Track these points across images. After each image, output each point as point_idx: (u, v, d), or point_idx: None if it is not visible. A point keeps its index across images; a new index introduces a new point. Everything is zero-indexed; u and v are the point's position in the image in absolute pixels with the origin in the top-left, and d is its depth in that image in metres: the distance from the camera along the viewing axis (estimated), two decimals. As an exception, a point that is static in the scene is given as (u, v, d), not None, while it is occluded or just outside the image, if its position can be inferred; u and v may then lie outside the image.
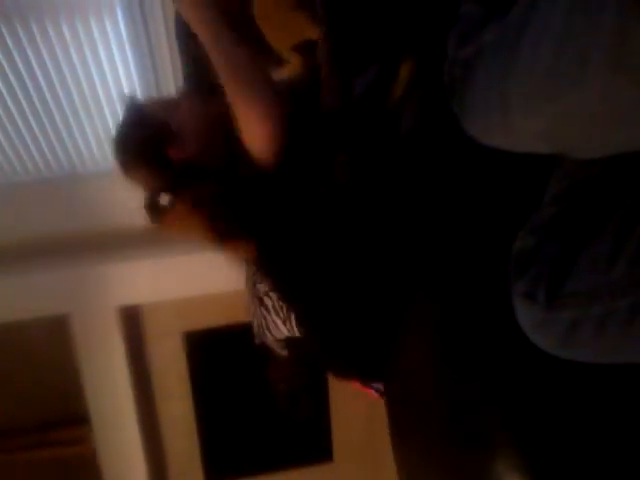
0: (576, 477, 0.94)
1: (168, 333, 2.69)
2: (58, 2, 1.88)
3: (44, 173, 2.30)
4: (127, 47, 2.02)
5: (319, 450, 3.03)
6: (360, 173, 1.20)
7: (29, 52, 1.96)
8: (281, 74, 1.38)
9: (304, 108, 1.17)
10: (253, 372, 2.77)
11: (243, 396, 2.87)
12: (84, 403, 2.57)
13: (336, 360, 1.49)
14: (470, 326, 1.07)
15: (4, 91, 2.04)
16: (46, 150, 2.23)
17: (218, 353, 2.76)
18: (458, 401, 1.12)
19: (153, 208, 1.34)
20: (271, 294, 1.97)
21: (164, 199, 1.33)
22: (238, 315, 2.26)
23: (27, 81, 2.03)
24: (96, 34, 1.96)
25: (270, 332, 2.05)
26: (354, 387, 1.67)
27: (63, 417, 2.73)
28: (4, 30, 1.89)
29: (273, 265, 1.38)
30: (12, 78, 2.01)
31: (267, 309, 2.00)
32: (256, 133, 1.13)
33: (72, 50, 1.99)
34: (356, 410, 2.88)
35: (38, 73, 2.02)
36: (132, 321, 2.60)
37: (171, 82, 2.07)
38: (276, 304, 1.95)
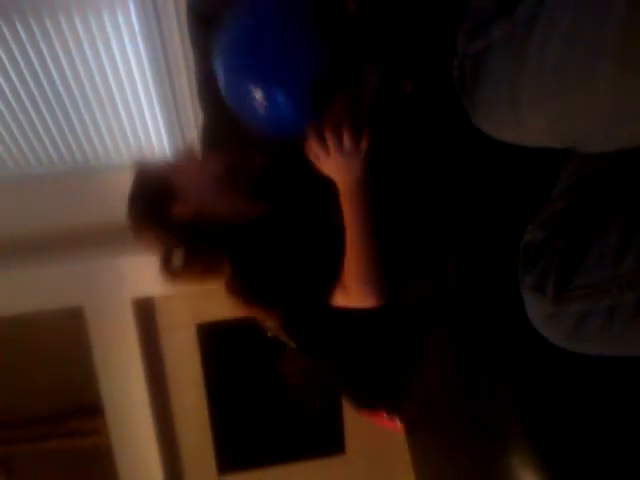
0: (590, 470, 0.94)
1: (182, 325, 2.71)
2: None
3: (58, 166, 2.32)
4: (139, 40, 2.03)
5: (331, 442, 3.04)
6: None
7: (42, 46, 1.97)
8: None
9: None
10: (266, 364, 2.78)
11: (256, 388, 2.88)
12: (98, 394, 2.60)
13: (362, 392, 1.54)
14: (481, 320, 1.08)
15: (18, 85, 2.06)
16: (60, 143, 2.24)
17: (231, 345, 2.77)
18: (471, 396, 1.12)
19: (167, 268, 1.38)
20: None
21: (177, 259, 1.36)
22: (251, 307, 2.27)
23: (41, 75, 2.05)
24: (109, 28, 1.97)
25: (282, 325, 2.05)
26: (378, 422, 1.64)
27: (78, 408, 2.76)
28: (18, 25, 1.91)
29: (299, 331, 1.45)
30: (26, 72, 2.02)
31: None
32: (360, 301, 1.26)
33: (85, 43, 2.00)
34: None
35: (51, 67, 2.03)
36: (146, 313, 2.61)
37: (183, 74, 2.08)
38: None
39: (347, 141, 1.15)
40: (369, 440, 2.97)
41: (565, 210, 0.86)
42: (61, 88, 2.09)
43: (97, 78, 2.10)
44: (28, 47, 1.97)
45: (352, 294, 1.26)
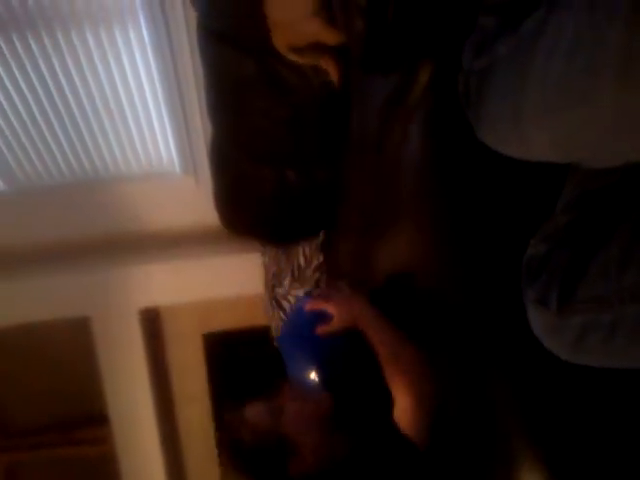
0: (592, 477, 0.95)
1: (188, 335, 2.71)
2: (82, 11, 1.91)
3: (66, 177, 2.33)
4: (149, 53, 2.04)
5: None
6: None
7: (53, 58, 1.99)
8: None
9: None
10: (272, 375, 2.78)
11: (261, 398, 2.87)
12: (104, 404, 2.60)
13: None
14: (484, 333, 1.08)
15: (29, 97, 2.08)
16: (70, 155, 2.26)
17: (237, 355, 2.77)
18: (476, 408, 1.13)
19: None
20: (289, 297, 1.99)
21: None
22: (258, 318, 2.28)
23: (51, 87, 2.06)
24: (119, 41, 1.99)
25: (288, 335, 2.06)
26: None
27: (83, 417, 2.76)
28: (30, 38, 1.93)
29: None
30: (37, 84, 2.04)
31: (285, 312, 2.02)
32: (406, 404, 1.17)
33: (95, 56, 2.01)
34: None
35: (62, 79, 2.04)
36: (152, 323, 2.62)
37: (192, 87, 2.09)
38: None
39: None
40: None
41: (568, 224, 0.87)
42: (71, 100, 2.11)
43: (107, 90, 2.11)
44: (39, 59, 1.99)
45: (400, 395, 1.20)
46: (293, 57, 1.37)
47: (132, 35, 1.99)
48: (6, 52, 1.95)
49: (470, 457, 1.12)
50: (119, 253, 2.39)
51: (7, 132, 2.16)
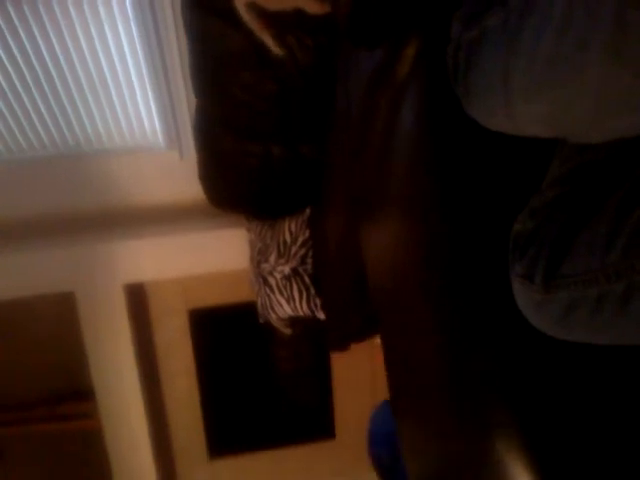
0: (576, 458, 0.96)
1: (173, 311, 2.72)
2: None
3: (49, 150, 2.31)
4: (133, 25, 2.02)
5: (321, 427, 3.06)
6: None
7: (35, 31, 1.96)
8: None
9: None
10: (257, 350, 2.79)
11: (247, 373, 2.89)
12: (89, 379, 2.60)
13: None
14: (470, 307, 1.09)
15: (11, 71, 2.05)
16: (52, 127, 2.23)
17: (223, 331, 2.78)
18: (459, 382, 1.13)
19: None
20: (275, 273, 1.99)
21: None
22: (243, 293, 2.28)
23: (33, 60, 2.03)
24: (102, 14, 1.96)
25: (274, 311, 2.07)
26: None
27: (69, 392, 2.77)
28: (11, 10, 1.90)
29: None
30: (19, 57, 2.01)
31: (271, 288, 2.01)
32: None
33: (78, 29, 1.99)
34: (358, 387, 2.91)
35: (44, 52, 2.02)
36: (137, 299, 2.62)
37: (176, 59, 2.07)
38: (280, 283, 1.97)
39: None
40: (358, 425, 2.99)
41: (555, 199, 0.87)
42: (54, 73, 2.08)
43: (90, 64, 2.09)
44: (21, 33, 1.96)
45: None
46: (246, 15, 1.29)
47: (115, 8, 1.96)
48: (-14, 25, 1.92)
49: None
50: (103, 228, 2.37)
51: (-12, 105, 2.14)
